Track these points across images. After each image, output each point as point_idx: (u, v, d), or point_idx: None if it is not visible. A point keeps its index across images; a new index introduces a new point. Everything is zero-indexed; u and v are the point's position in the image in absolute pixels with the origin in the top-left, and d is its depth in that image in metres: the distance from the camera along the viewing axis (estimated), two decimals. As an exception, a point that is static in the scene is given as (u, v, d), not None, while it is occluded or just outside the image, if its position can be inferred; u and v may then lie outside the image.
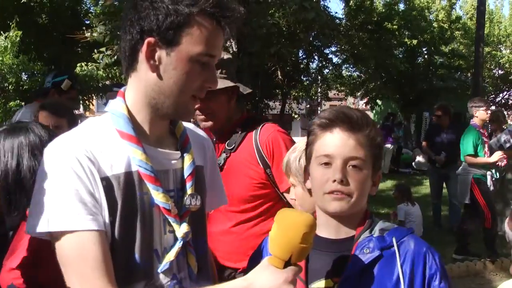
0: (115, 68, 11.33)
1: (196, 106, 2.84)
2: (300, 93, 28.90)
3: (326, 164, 1.88)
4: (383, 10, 26.16)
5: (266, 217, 3.07)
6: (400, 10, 27.04)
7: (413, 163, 21.17)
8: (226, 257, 2.87)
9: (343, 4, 24.83)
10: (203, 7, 1.69)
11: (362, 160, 1.87)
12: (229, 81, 3.05)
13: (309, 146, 2.00)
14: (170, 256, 1.78)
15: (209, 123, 3.09)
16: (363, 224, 1.94)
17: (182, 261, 1.84)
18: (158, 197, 1.74)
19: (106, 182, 1.68)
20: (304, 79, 26.32)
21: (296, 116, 33.80)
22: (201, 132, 2.17)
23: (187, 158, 1.90)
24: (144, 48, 1.71)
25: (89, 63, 13.31)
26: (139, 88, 1.79)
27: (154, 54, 1.72)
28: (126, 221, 1.70)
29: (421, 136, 24.80)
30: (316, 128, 1.96)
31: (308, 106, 39.07)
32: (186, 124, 2.04)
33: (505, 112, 26.74)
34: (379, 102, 31.17)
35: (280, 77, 20.79)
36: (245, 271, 1.89)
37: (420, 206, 9.75)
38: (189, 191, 1.86)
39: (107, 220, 1.66)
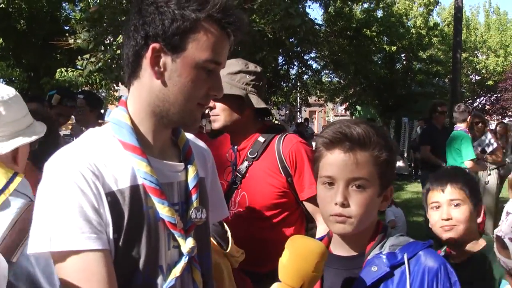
0: (95, 74, 11.22)
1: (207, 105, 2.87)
2: (280, 99, 28.97)
3: (329, 184, 1.87)
4: (362, 17, 26.31)
5: (285, 224, 3.14)
6: (378, 16, 27.24)
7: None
8: (252, 262, 2.87)
9: (322, 11, 24.96)
10: (210, 13, 1.64)
11: (366, 180, 1.83)
12: (237, 88, 3.12)
13: (315, 163, 1.97)
14: (176, 272, 1.71)
15: (216, 125, 3.17)
16: (375, 239, 1.92)
17: (187, 277, 1.78)
18: (163, 211, 1.67)
19: (111, 198, 1.60)
20: (284, 85, 26.37)
21: (276, 122, 33.91)
22: (201, 143, 2.11)
23: (191, 170, 1.84)
24: (148, 54, 1.65)
25: (69, 69, 13.17)
26: (142, 96, 1.73)
27: (159, 60, 1.66)
28: (131, 238, 1.63)
29: (401, 141, 24.97)
30: (319, 147, 1.93)
31: (288, 112, 39.20)
32: (186, 134, 1.98)
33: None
34: (358, 107, 31.34)
35: (260, 83, 20.84)
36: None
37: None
38: (194, 204, 1.80)
39: (111, 237, 1.59)
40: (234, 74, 3.14)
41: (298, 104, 33.99)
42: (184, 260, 1.73)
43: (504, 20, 39.94)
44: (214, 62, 1.70)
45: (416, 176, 20.04)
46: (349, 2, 23.69)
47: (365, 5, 26.99)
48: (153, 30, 1.63)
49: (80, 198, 1.54)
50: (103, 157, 1.65)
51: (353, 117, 31.05)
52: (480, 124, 9.95)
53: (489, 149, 9.38)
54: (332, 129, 1.90)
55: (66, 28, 17.47)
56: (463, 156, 8.61)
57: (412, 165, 21.78)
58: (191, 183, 1.82)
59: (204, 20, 1.64)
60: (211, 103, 3.08)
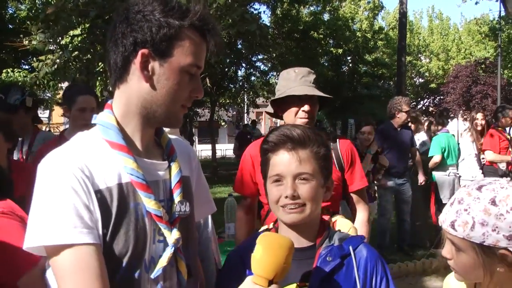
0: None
1: (307, 109, 3.36)
2: (228, 101, 29.07)
3: (278, 181, 2.08)
4: (309, 20, 26.66)
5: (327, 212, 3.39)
6: (325, 20, 27.65)
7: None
8: None
9: (270, 12, 25.18)
10: (192, 21, 1.77)
11: (309, 174, 2.06)
12: (322, 92, 3.58)
13: (263, 167, 2.19)
14: (163, 262, 1.80)
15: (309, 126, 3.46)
16: (322, 234, 2.14)
17: (170, 269, 1.86)
18: (149, 204, 1.77)
19: (101, 195, 1.70)
20: (232, 86, 26.48)
21: (223, 123, 34.00)
22: (186, 143, 2.22)
23: (174, 167, 1.94)
24: (138, 59, 1.75)
25: (15, 69, 13.01)
26: (129, 98, 1.82)
27: (147, 65, 1.76)
28: (119, 232, 1.72)
29: (347, 142, 25.36)
30: (266, 151, 2.16)
31: (236, 113, 39.35)
32: (171, 136, 2.08)
33: (426, 118, 27.73)
34: (305, 109, 31.65)
35: (209, 84, 20.87)
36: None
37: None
38: (178, 198, 1.90)
39: (100, 232, 1.68)
40: (315, 81, 3.58)
41: (246, 106, 34.15)
42: (170, 251, 1.82)
43: (447, 25, 41.24)
44: (196, 66, 1.83)
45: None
46: (296, 5, 24.02)
47: (312, 8, 27.38)
48: (141, 36, 1.74)
49: (72, 196, 1.64)
50: (92, 157, 1.74)
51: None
52: (415, 122, 10.06)
53: (422, 149, 9.63)
54: (275, 133, 2.13)
55: (11, 26, 17.16)
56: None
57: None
58: (174, 180, 1.92)
59: (187, 28, 1.77)
60: (306, 107, 3.48)
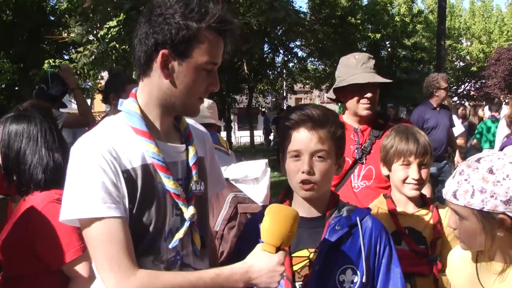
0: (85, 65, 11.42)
1: (369, 96, 3.45)
2: (266, 87, 29.18)
3: (296, 157, 2.23)
4: (347, 5, 26.50)
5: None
6: (363, 4, 27.45)
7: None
8: None
9: (307, -1, 25.16)
10: (209, 23, 1.92)
11: (326, 151, 2.21)
12: (382, 78, 3.65)
13: (282, 143, 2.33)
14: (179, 234, 2.02)
15: (371, 111, 3.63)
16: (332, 206, 2.34)
17: (187, 240, 2.08)
18: (169, 184, 1.97)
19: (127, 174, 1.90)
20: (270, 73, 26.57)
21: (263, 109, 34.12)
22: (201, 127, 2.40)
23: (191, 150, 2.14)
24: (158, 58, 1.92)
25: (57, 60, 13.35)
26: (152, 91, 2.01)
27: (167, 64, 1.93)
28: (143, 207, 1.93)
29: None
30: (285, 128, 2.29)
31: (274, 99, 39.38)
32: (188, 120, 2.26)
33: (467, 103, 27.21)
34: (344, 95, 31.48)
35: (246, 71, 20.98)
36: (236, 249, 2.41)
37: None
38: (194, 178, 2.10)
39: (127, 206, 1.89)
40: (374, 66, 3.67)
41: (284, 92, 34.21)
42: (186, 225, 2.04)
43: (490, 7, 40.25)
44: (213, 63, 2.00)
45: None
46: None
47: (350, -7, 27.19)
48: (161, 38, 1.91)
49: (101, 175, 1.85)
50: (119, 141, 1.95)
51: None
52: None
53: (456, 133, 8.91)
54: (296, 112, 2.26)
55: (52, 18, 17.55)
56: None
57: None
58: (191, 161, 2.13)
59: (205, 29, 1.92)
60: (368, 94, 3.55)
